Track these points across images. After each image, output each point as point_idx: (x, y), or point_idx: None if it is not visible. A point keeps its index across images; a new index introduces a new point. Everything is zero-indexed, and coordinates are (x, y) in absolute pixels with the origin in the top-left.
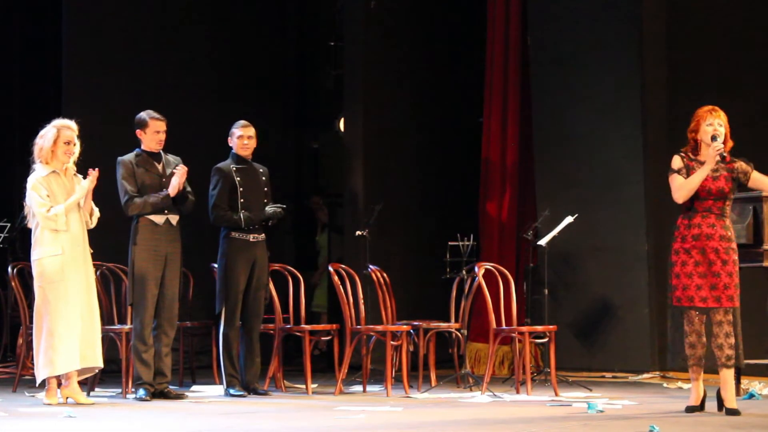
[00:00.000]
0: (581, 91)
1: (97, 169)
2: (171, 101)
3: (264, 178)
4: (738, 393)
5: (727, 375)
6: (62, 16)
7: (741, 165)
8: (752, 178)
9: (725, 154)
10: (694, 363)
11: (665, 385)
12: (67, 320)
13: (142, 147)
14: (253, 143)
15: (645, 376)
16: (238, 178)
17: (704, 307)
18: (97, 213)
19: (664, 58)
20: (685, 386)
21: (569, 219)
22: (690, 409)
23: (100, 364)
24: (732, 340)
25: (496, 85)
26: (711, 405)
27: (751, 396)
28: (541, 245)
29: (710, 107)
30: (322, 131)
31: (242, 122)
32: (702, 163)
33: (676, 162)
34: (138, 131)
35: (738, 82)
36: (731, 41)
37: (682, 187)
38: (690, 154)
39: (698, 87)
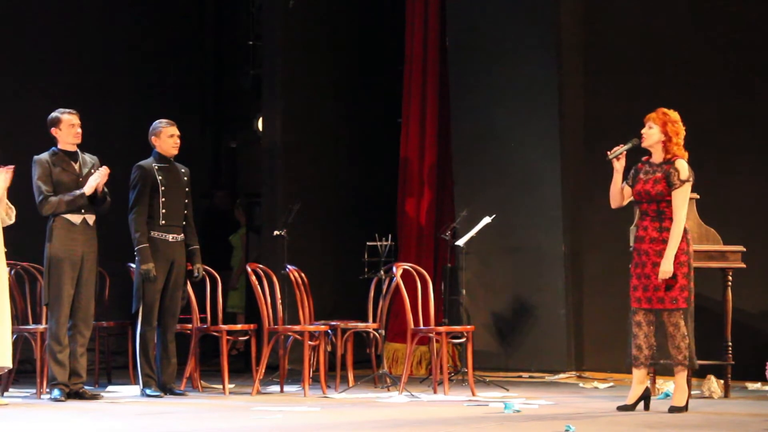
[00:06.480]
0: (499, 92)
1: (12, 165)
2: (88, 101)
3: (186, 178)
4: (654, 392)
5: (677, 375)
6: None
7: (674, 174)
8: (673, 194)
9: (610, 155)
10: (637, 363)
11: (581, 385)
12: None
13: (59, 146)
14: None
15: (561, 376)
16: (160, 177)
17: (649, 308)
18: (14, 210)
19: (582, 60)
20: (601, 386)
21: (487, 219)
22: (623, 408)
23: (9, 364)
24: (676, 342)
25: (415, 86)
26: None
27: (667, 396)
28: (459, 245)
29: (657, 110)
30: (240, 131)
31: (167, 120)
32: (651, 165)
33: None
34: (52, 129)
35: (654, 86)
36: (648, 45)
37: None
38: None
39: (615, 89)
